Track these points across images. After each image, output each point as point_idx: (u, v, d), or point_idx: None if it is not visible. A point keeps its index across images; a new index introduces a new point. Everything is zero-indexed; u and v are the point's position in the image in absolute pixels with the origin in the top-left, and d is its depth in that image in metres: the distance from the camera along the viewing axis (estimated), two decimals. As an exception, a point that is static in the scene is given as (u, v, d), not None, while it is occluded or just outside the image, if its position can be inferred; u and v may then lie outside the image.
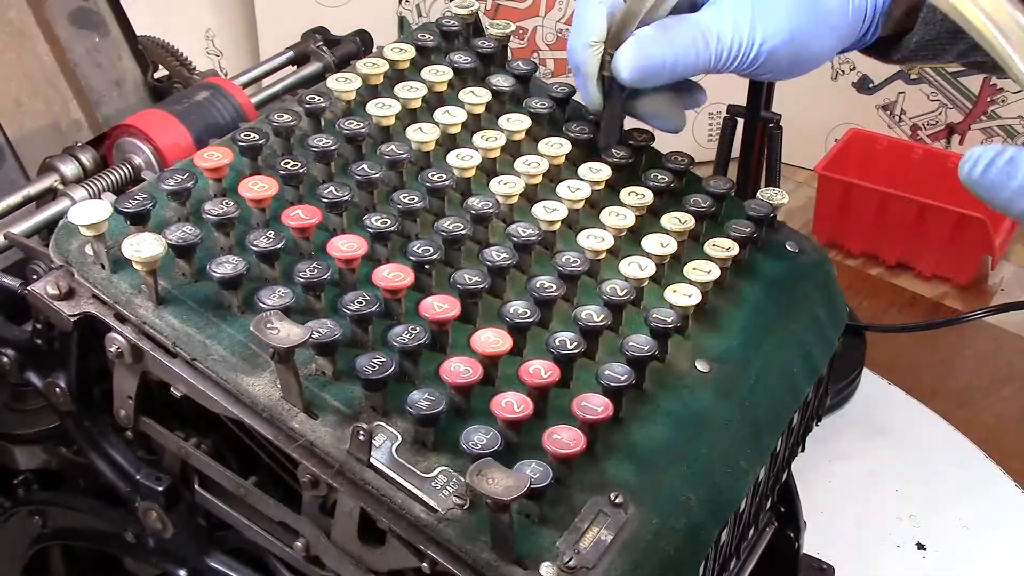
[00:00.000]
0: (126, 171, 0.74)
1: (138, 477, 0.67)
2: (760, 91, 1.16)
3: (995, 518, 1.08)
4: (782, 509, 0.88)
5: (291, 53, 0.90)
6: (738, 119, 1.20)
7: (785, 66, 0.73)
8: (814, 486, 1.06)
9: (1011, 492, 1.11)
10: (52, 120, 0.87)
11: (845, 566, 0.97)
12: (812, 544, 0.95)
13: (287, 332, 0.55)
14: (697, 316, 0.69)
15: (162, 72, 0.94)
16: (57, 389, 0.65)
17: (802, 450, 0.81)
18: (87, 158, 0.76)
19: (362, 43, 0.91)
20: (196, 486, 0.67)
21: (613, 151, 0.76)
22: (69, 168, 0.75)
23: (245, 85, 0.85)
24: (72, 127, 0.88)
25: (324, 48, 0.89)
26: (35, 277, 0.64)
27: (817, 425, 0.82)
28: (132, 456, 0.68)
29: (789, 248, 0.77)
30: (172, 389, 0.61)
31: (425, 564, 0.57)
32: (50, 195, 0.74)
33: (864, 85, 1.65)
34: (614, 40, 0.71)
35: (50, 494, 0.76)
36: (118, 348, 0.61)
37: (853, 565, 1.00)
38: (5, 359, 0.67)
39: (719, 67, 0.72)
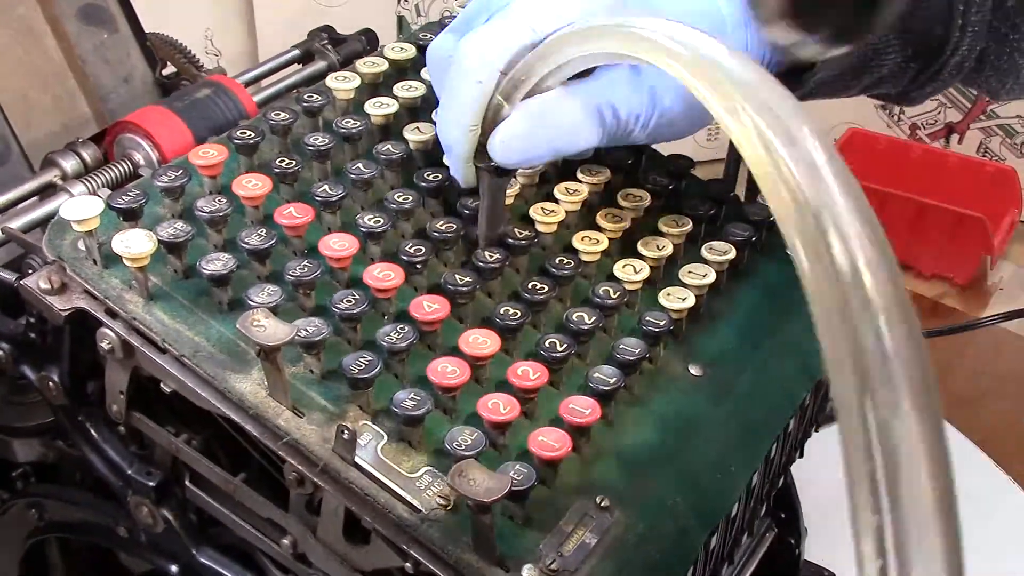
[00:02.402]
0: (125, 167, 0.74)
1: (129, 472, 0.67)
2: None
3: (999, 523, 1.07)
4: (783, 515, 0.87)
5: (296, 51, 0.90)
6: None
7: (680, 131, 0.67)
8: (818, 492, 1.05)
9: (1015, 496, 1.10)
10: (60, 116, 0.88)
11: (849, 573, 0.96)
12: (815, 551, 0.94)
13: (273, 330, 0.55)
14: (692, 320, 0.69)
15: (170, 69, 0.95)
16: (50, 383, 0.66)
17: (800, 456, 0.80)
18: (88, 154, 0.77)
19: (368, 42, 0.91)
20: (187, 482, 0.67)
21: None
22: (70, 163, 0.76)
23: (249, 83, 0.85)
24: (80, 123, 0.89)
25: (329, 47, 0.89)
26: (30, 271, 0.65)
27: (816, 431, 0.81)
28: (124, 451, 0.68)
29: (789, 252, 0.76)
30: (162, 385, 0.62)
31: (408, 564, 0.57)
32: (51, 190, 0.75)
33: (863, 84, 1.64)
34: (490, 124, 0.62)
35: (46, 487, 0.76)
36: (109, 343, 0.62)
37: (857, 573, 0.99)
38: (0, 352, 0.68)
39: (608, 145, 0.65)
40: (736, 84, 0.44)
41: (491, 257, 0.65)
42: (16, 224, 0.69)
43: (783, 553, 0.88)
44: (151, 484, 0.66)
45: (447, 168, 0.71)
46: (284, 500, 0.63)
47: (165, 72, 0.94)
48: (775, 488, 0.77)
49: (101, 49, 0.91)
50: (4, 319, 0.68)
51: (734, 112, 0.43)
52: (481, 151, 0.63)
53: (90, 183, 0.72)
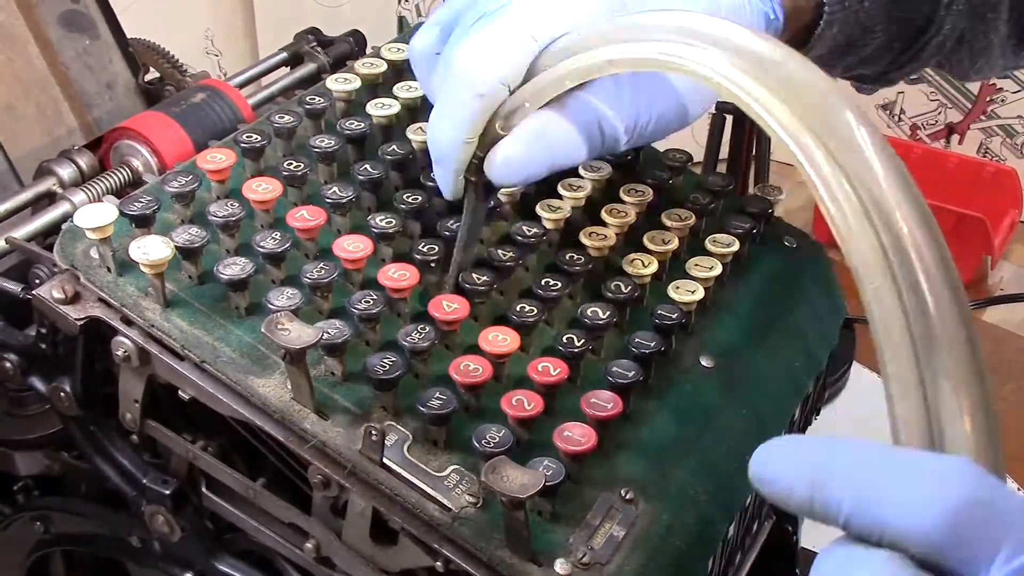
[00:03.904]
0: (125, 174, 0.74)
1: (144, 481, 0.66)
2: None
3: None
4: (780, 502, 0.88)
5: (284, 54, 0.90)
6: (726, 116, 1.20)
7: (673, 129, 0.66)
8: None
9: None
10: (44, 124, 0.87)
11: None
12: (811, 538, 0.95)
13: (298, 333, 0.55)
14: (700, 312, 0.70)
15: (153, 75, 0.94)
16: (62, 394, 0.65)
17: (802, 444, 0.81)
18: (84, 161, 0.76)
19: (355, 43, 0.91)
20: (204, 489, 0.67)
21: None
22: (66, 172, 0.75)
23: (240, 87, 0.85)
24: (64, 131, 0.87)
25: (318, 49, 0.89)
26: (38, 281, 0.64)
27: (816, 418, 0.82)
28: (138, 460, 0.67)
29: (787, 243, 0.78)
30: (180, 392, 0.61)
31: (439, 563, 0.57)
32: (47, 199, 0.74)
33: (863, 84, 1.65)
34: (488, 141, 0.60)
35: (53, 500, 0.75)
36: (125, 351, 0.61)
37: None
38: (8, 364, 0.67)
39: (606, 153, 0.64)
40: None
41: (505, 255, 0.66)
42: (17, 234, 0.68)
43: (781, 539, 0.89)
44: (167, 492, 0.66)
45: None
46: (302, 504, 0.63)
47: (148, 77, 0.93)
48: (781, 476, 0.78)
49: (83, 55, 0.90)
50: (10, 330, 0.67)
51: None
52: (474, 165, 0.61)
53: (91, 190, 0.72)
